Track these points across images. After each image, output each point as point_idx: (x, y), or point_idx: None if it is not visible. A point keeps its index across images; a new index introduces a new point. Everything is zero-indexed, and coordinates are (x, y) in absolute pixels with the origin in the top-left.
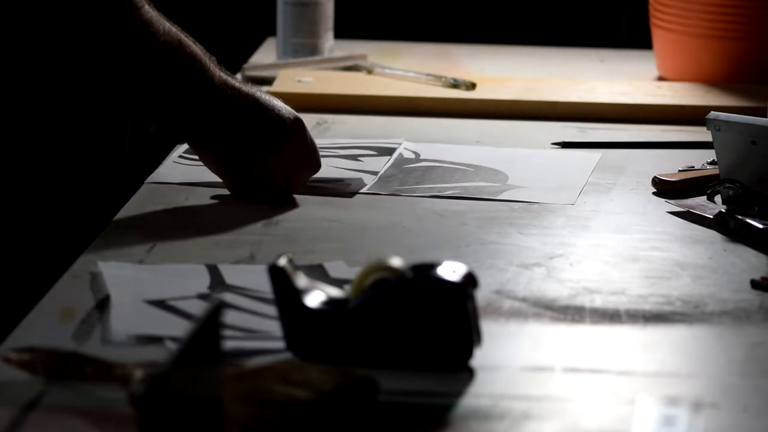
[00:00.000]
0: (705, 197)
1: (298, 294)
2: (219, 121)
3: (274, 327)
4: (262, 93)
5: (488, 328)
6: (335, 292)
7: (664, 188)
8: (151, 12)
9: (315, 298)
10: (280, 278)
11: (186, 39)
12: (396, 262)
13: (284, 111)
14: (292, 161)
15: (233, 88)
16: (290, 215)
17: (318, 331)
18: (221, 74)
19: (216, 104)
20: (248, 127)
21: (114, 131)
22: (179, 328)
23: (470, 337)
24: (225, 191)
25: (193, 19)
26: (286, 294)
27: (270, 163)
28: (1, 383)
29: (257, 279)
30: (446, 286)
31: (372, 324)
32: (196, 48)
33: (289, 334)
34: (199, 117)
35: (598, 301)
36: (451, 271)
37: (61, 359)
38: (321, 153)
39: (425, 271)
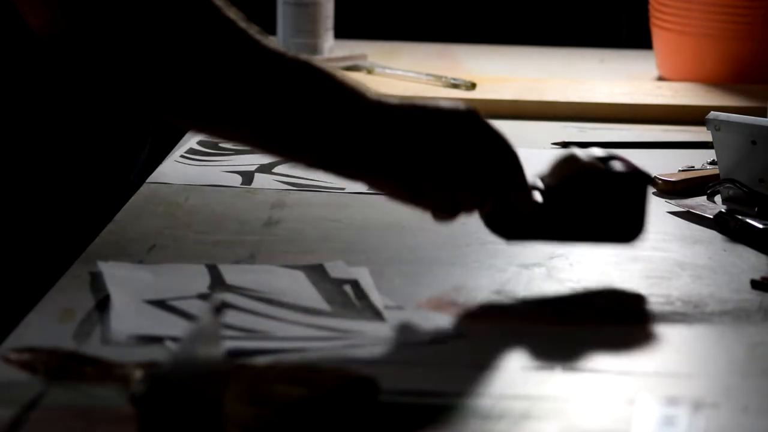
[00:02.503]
0: (705, 197)
1: None
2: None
3: (274, 327)
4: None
5: (489, 328)
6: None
7: (664, 188)
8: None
9: None
10: None
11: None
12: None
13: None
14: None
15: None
16: (290, 215)
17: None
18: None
19: (378, 120)
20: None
21: (121, 135)
22: (179, 328)
23: (644, 215)
24: (225, 191)
25: None
26: None
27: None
28: (1, 383)
29: (257, 279)
30: (635, 174)
31: (572, 203)
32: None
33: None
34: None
35: (598, 301)
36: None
37: (61, 359)
38: None
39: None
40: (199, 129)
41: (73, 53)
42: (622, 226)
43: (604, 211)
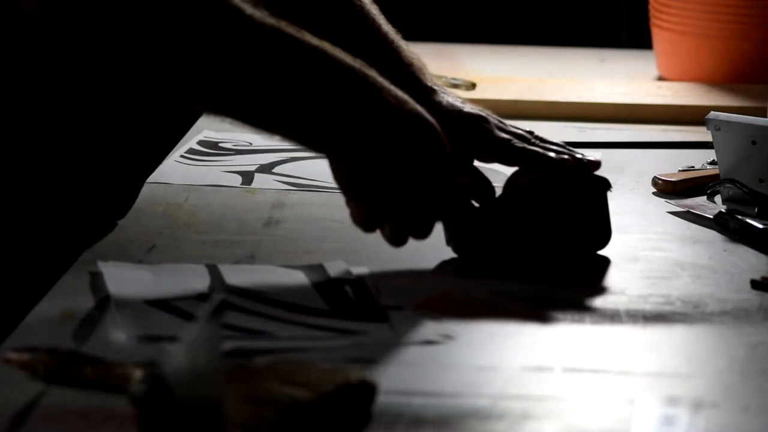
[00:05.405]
0: (705, 197)
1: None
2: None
3: (274, 327)
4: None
5: (488, 328)
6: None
7: (664, 188)
8: None
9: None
10: None
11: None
12: None
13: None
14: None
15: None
16: (290, 215)
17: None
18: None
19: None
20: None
21: (120, 132)
22: (179, 328)
23: (609, 222)
24: (225, 191)
25: None
26: None
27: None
28: (1, 383)
29: (257, 279)
30: (592, 180)
31: (532, 214)
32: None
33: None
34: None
35: (598, 301)
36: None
37: (61, 359)
38: None
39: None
40: (186, 101)
41: (64, 33)
42: (588, 232)
43: (568, 218)
